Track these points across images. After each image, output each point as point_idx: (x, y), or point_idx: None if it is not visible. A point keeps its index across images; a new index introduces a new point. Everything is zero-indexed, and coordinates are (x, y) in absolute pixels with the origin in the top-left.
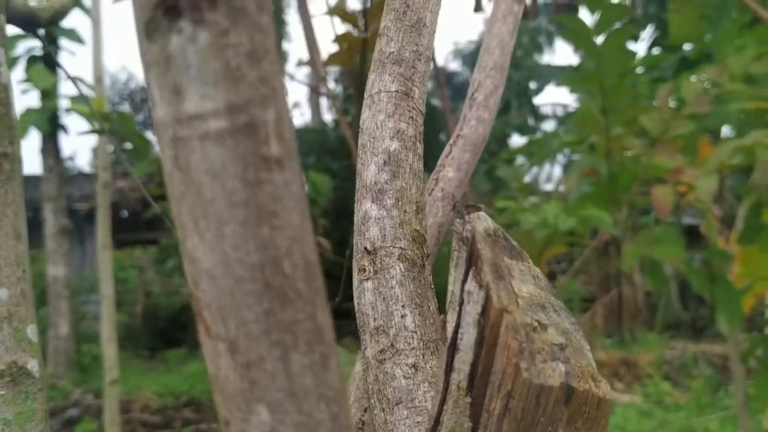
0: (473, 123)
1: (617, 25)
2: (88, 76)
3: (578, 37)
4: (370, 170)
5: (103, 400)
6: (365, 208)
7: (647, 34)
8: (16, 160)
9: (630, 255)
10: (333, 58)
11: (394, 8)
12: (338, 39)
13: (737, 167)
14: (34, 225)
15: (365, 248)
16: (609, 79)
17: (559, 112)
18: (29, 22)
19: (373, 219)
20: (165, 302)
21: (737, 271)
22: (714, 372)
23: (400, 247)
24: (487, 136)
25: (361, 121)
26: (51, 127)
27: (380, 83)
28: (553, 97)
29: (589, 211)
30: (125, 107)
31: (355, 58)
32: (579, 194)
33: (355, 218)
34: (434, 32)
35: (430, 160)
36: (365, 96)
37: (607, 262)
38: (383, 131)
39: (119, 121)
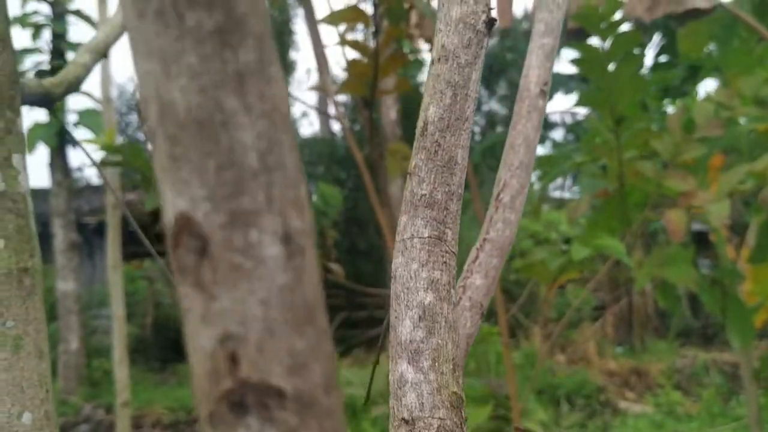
0: (500, 226)
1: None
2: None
3: (590, 65)
4: (405, 326)
5: (114, 416)
6: (401, 369)
7: (654, 41)
8: (37, 273)
9: (642, 276)
10: (344, 87)
11: (425, 147)
12: (348, 67)
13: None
14: (44, 239)
15: (403, 418)
16: (621, 106)
17: (568, 119)
18: (45, 101)
19: (410, 384)
20: (174, 314)
21: (748, 288)
22: (725, 380)
23: (439, 417)
24: (514, 238)
25: (393, 267)
26: (59, 141)
27: (413, 228)
28: (561, 105)
29: (603, 241)
30: (133, 117)
31: (365, 86)
32: (591, 217)
33: (391, 378)
34: (465, 167)
35: None
36: (397, 239)
37: (617, 270)
38: (417, 282)
39: (130, 152)
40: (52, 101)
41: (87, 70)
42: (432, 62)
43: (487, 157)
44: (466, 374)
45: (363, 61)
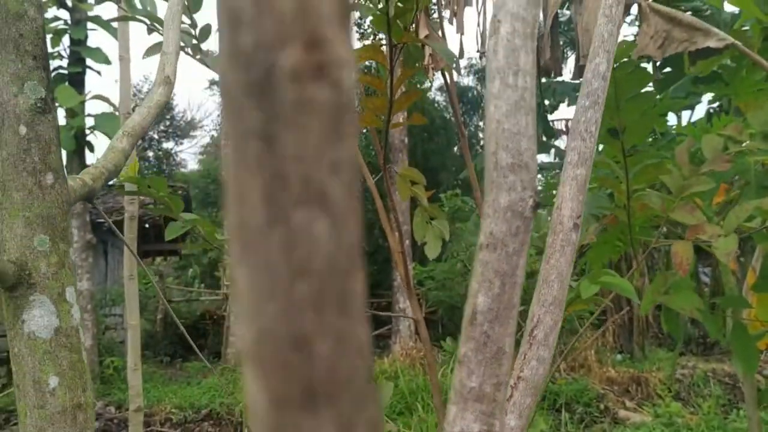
0: (534, 363)
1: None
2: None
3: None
4: None
5: (125, 413)
6: None
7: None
8: (89, 408)
9: (645, 302)
10: (360, 121)
11: (474, 337)
12: (363, 102)
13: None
14: None
15: None
16: (631, 141)
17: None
18: (88, 197)
19: None
20: (185, 309)
21: (753, 314)
22: (724, 392)
23: None
24: (547, 375)
25: None
26: (77, 144)
27: (462, 422)
28: (566, 113)
29: (611, 279)
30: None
31: (380, 120)
32: (597, 241)
33: None
34: (511, 355)
35: (443, 173)
36: (447, 429)
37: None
38: None
39: (155, 184)
40: (94, 195)
41: (126, 155)
42: (480, 247)
43: None
44: None
45: (378, 98)
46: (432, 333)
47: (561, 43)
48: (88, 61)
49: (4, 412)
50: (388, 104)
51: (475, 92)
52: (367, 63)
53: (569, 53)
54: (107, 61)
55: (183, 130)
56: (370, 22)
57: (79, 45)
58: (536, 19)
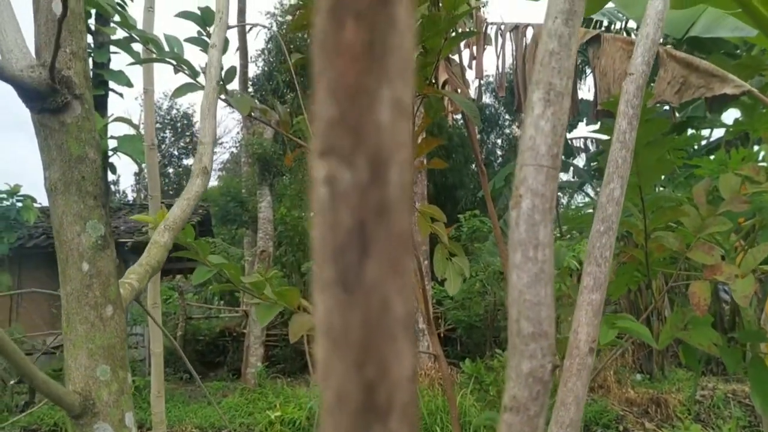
0: None
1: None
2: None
3: None
4: None
5: (145, 431)
6: None
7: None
8: None
9: (664, 338)
10: None
11: None
12: None
13: None
14: None
15: None
16: (648, 186)
17: (591, 145)
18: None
19: None
20: (205, 326)
21: None
22: (745, 414)
23: None
24: None
25: None
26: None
27: None
28: (584, 131)
29: (629, 324)
30: (167, 134)
31: None
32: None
33: None
34: None
35: (461, 191)
36: None
37: (636, 296)
38: None
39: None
40: (140, 293)
41: (167, 249)
42: (504, 409)
43: (510, 182)
44: None
45: None
46: (451, 351)
47: (579, 62)
48: (111, 84)
49: (27, 431)
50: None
51: (492, 109)
52: None
53: (587, 71)
54: (129, 84)
55: None
56: None
57: (102, 68)
58: (554, 194)
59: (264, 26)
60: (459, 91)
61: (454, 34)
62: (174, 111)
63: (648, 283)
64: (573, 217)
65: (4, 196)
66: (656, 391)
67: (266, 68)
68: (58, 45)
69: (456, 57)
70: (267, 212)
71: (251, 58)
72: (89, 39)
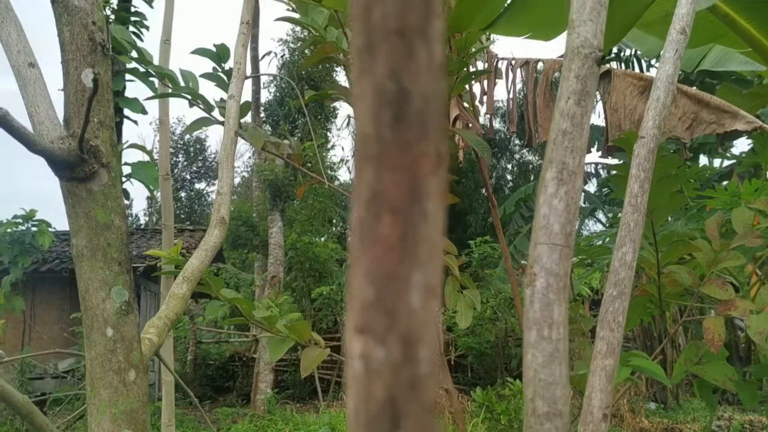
0: None
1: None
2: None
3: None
4: None
5: None
6: None
7: None
8: None
9: (677, 372)
10: None
11: None
12: None
13: None
14: None
15: None
16: (660, 221)
17: (602, 171)
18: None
19: None
20: (215, 350)
21: None
22: None
23: None
24: None
25: None
26: None
27: None
28: (595, 156)
29: (641, 362)
30: (180, 158)
31: None
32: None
33: None
34: None
35: (471, 215)
36: None
37: (651, 322)
38: None
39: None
40: (159, 347)
41: (186, 300)
42: None
43: (520, 207)
44: None
45: None
46: (461, 377)
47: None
48: (126, 111)
49: None
50: None
51: (503, 134)
52: None
53: (597, 95)
54: (144, 111)
55: (215, 170)
56: None
57: (117, 95)
58: (568, 273)
59: (279, 75)
60: (470, 125)
61: (465, 71)
62: (187, 136)
63: (662, 312)
64: (584, 248)
65: (20, 220)
66: (671, 420)
67: (278, 94)
68: (87, 120)
69: (467, 86)
70: (278, 237)
71: (264, 84)
72: None
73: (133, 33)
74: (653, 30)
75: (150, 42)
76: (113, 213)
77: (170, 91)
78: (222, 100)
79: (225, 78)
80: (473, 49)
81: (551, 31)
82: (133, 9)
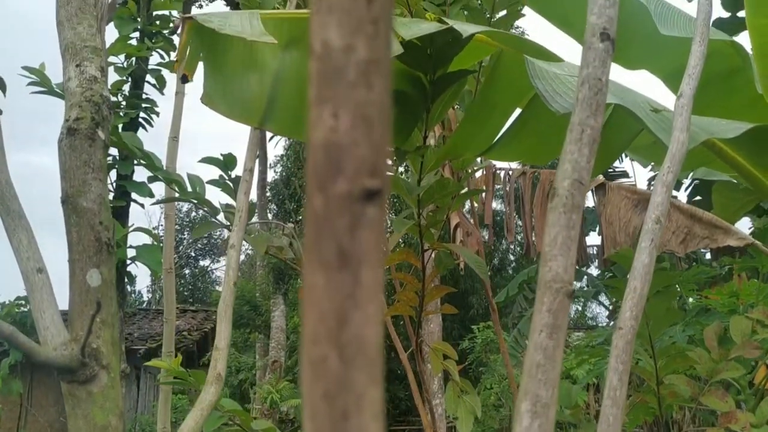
0: None
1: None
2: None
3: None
4: None
5: None
6: None
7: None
8: None
9: None
10: (392, 309)
11: None
12: (398, 295)
13: None
14: None
15: None
16: (657, 333)
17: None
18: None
19: None
20: None
21: None
22: None
23: None
24: None
25: None
26: (117, 275)
27: None
28: (597, 239)
29: None
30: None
31: (412, 309)
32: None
33: None
34: None
35: (474, 296)
36: None
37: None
38: None
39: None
40: None
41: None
42: None
43: (523, 289)
44: None
45: (410, 291)
46: None
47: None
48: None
49: None
50: (420, 297)
51: (503, 216)
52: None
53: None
54: (151, 195)
55: (219, 248)
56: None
57: (125, 179)
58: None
59: (280, 223)
60: (470, 233)
61: (464, 187)
62: (193, 213)
63: (663, 421)
64: (583, 350)
65: (22, 302)
66: None
67: (284, 173)
68: (90, 330)
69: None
70: (280, 321)
71: (270, 164)
72: (113, 150)
73: (143, 119)
74: (640, 153)
75: (159, 135)
76: (111, 414)
77: (177, 195)
78: (228, 205)
79: (231, 185)
80: (469, 170)
81: (543, 157)
82: (144, 96)
